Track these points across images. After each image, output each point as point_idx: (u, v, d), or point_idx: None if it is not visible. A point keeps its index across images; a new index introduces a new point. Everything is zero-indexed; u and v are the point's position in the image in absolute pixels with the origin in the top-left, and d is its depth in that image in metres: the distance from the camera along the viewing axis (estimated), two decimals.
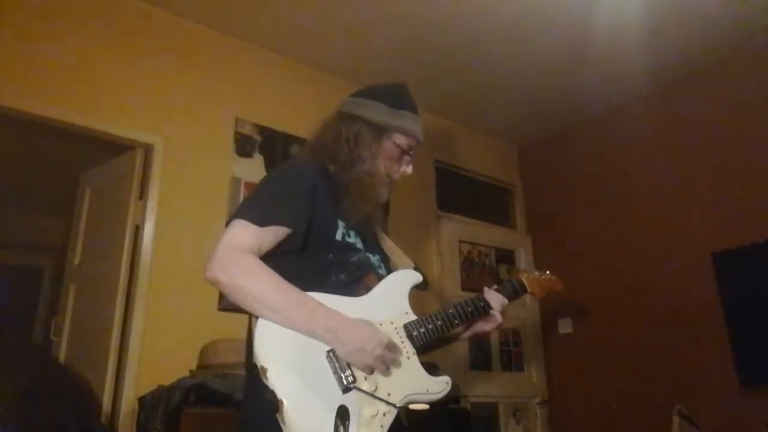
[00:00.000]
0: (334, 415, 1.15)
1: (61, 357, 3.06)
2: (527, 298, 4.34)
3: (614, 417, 3.73)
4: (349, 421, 1.16)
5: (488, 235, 4.43)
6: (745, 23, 3.34)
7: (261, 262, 1.24)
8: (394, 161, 1.51)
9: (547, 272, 1.74)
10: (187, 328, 2.78)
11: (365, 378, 1.23)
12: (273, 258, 1.30)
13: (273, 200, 1.34)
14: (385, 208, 1.66)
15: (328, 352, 1.22)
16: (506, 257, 4.49)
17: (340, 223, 1.40)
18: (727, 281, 3.39)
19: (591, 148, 4.34)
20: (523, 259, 4.56)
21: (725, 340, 3.32)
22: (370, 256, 1.46)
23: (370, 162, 1.47)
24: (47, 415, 2.43)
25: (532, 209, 4.71)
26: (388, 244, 1.61)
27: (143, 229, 2.90)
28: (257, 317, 1.21)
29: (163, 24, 3.20)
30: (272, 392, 1.13)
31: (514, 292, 1.62)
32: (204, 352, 2.58)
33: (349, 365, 1.22)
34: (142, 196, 2.98)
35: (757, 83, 3.51)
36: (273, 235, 1.29)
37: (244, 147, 3.28)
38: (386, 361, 1.24)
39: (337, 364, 1.21)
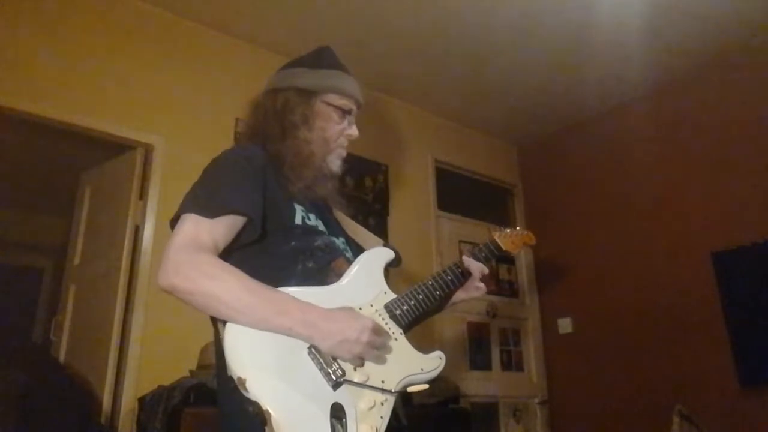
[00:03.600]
0: (329, 415, 1.07)
1: (61, 357, 3.06)
2: (526, 296, 4.43)
3: (614, 417, 3.73)
4: (345, 418, 1.08)
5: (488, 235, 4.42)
6: (745, 23, 3.34)
7: (220, 260, 1.14)
8: (333, 123, 1.41)
9: (518, 228, 1.70)
10: (187, 328, 2.76)
11: (354, 369, 1.14)
12: (232, 253, 1.21)
13: (221, 188, 1.22)
14: (345, 189, 1.57)
15: (310, 348, 1.12)
16: (506, 257, 4.48)
17: (297, 207, 1.30)
18: (727, 281, 3.39)
19: (591, 148, 4.34)
20: (524, 258, 4.57)
21: (725, 340, 3.32)
22: (335, 239, 1.37)
23: (304, 129, 1.37)
24: (47, 416, 2.43)
25: (532, 209, 4.71)
26: (352, 226, 1.52)
27: (143, 229, 2.90)
28: (224, 322, 1.11)
29: (163, 24, 3.20)
30: (256, 404, 1.02)
31: (489, 253, 1.56)
32: (204, 352, 2.58)
33: (335, 358, 1.12)
34: (142, 196, 2.98)
35: (756, 83, 3.51)
36: (227, 226, 1.18)
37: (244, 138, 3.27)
38: (376, 345, 1.15)
39: (322, 360, 1.11)
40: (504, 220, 4.71)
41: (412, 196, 4.02)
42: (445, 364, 1.27)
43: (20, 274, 5.66)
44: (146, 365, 2.70)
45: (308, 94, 1.40)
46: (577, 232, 4.23)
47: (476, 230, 4.37)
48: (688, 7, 3.17)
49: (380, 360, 1.18)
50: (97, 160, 3.37)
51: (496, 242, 1.59)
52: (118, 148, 3.11)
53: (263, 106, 1.43)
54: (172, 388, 2.38)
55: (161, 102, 3.09)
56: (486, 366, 4.07)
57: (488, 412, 3.95)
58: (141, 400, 2.50)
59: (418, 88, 4.03)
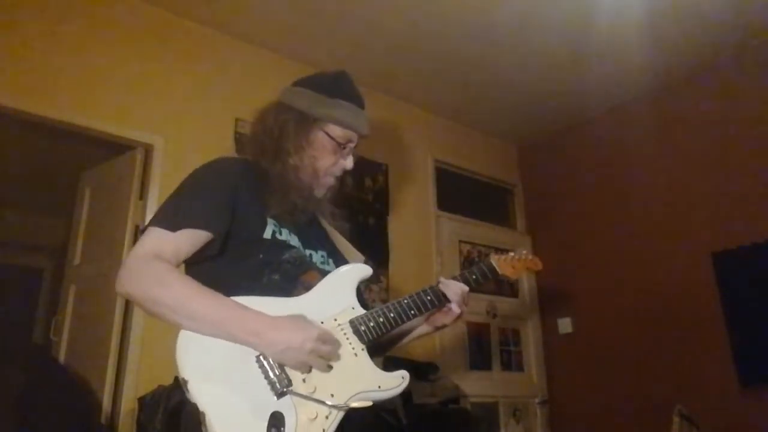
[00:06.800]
0: (266, 422, 1.08)
1: (61, 357, 3.06)
2: (526, 296, 4.42)
3: (614, 417, 3.73)
4: (284, 427, 1.08)
5: (488, 235, 4.42)
6: (745, 23, 3.34)
7: (173, 268, 1.17)
8: (327, 153, 1.41)
9: (524, 252, 1.63)
10: None
11: (303, 380, 1.14)
12: (198, 264, 1.25)
13: (186, 202, 1.26)
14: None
15: (258, 356, 1.13)
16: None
17: (270, 221, 1.31)
18: (727, 281, 3.39)
19: (591, 148, 4.34)
20: None
21: (725, 340, 3.32)
22: (313, 252, 1.38)
23: (296, 155, 1.37)
24: (47, 416, 2.43)
25: (532, 209, 4.70)
26: (340, 240, 1.52)
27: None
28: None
29: (163, 24, 3.20)
30: (194, 405, 1.09)
31: (481, 276, 1.50)
32: None
33: (282, 367, 1.13)
34: (142, 196, 2.98)
35: (756, 83, 3.51)
36: (189, 239, 1.21)
37: (244, 147, 3.27)
38: (322, 354, 1.14)
39: (268, 368, 1.13)
40: (504, 220, 4.71)
41: (412, 196, 4.02)
42: (446, 364, 1.27)
43: (20, 274, 5.66)
44: (146, 365, 2.70)
45: (309, 121, 1.39)
46: (577, 232, 4.23)
47: (476, 230, 4.37)
48: (688, 7, 3.17)
49: (333, 373, 1.17)
50: (97, 160, 3.37)
51: (492, 265, 1.54)
52: (118, 148, 3.11)
53: (265, 119, 1.44)
54: (172, 388, 2.37)
55: (161, 102, 3.09)
56: (486, 366, 4.07)
57: (488, 412, 3.95)
58: (141, 400, 2.50)
59: (418, 88, 4.02)
